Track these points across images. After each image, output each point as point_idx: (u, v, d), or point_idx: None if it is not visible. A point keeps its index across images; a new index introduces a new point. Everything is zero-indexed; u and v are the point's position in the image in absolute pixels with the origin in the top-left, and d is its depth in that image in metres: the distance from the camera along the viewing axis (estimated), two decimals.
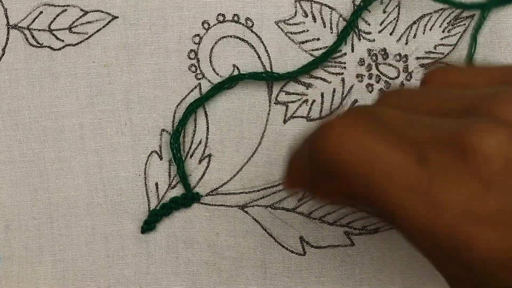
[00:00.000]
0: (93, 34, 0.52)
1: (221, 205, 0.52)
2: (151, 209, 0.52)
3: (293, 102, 0.52)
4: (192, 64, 0.52)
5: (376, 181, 0.35)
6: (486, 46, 0.52)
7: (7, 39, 0.52)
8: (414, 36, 0.52)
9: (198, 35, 0.52)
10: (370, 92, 0.52)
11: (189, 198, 0.51)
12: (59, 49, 0.52)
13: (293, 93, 0.52)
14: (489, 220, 0.34)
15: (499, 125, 0.34)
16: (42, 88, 0.52)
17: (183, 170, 0.51)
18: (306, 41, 0.52)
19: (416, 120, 0.36)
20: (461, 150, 0.34)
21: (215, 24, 0.52)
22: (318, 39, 0.52)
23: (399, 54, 0.52)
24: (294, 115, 0.52)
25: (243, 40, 0.52)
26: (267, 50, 0.52)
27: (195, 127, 0.52)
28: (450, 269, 0.36)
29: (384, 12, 0.52)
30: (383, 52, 0.52)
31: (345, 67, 0.52)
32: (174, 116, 0.52)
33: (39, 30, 0.52)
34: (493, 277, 0.35)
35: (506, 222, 0.34)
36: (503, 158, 0.34)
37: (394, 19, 0.52)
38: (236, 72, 0.52)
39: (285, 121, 0.52)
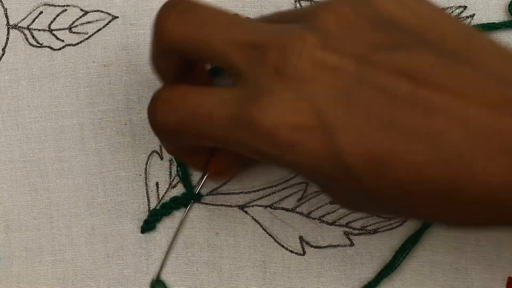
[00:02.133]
0: (93, 34, 0.52)
1: (221, 205, 0.52)
2: (151, 208, 0.52)
3: None
4: None
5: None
6: None
7: (7, 39, 0.52)
8: None
9: None
10: None
11: (189, 198, 0.51)
12: (59, 49, 0.52)
13: None
14: (305, 128, 0.37)
15: (311, 32, 0.38)
16: (42, 88, 0.52)
17: (184, 170, 0.51)
18: None
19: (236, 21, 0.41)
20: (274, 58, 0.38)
21: None
22: None
23: None
24: None
25: None
26: None
27: None
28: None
29: None
30: None
31: None
32: None
33: (39, 30, 0.52)
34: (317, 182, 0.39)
35: (321, 127, 0.37)
36: (310, 63, 0.38)
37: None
38: None
39: None
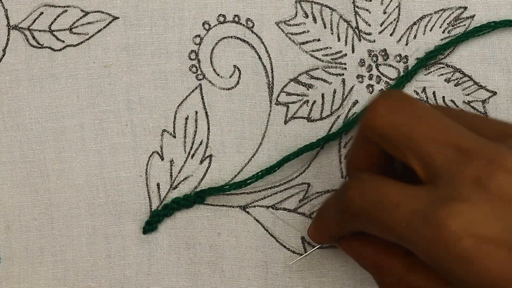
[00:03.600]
0: (93, 34, 0.52)
1: (223, 205, 0.52)
2: (152, 209, 0.52)
3: (293, 102, 0.52)
4: (192, 64, 0.52)
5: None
6: (486, 47, 0.52)
7: (8, 40, 0.52)
8: (415, 37, 0.52)
9: (198, 35, 0.52)
10: (371, 93, 0.52)
11: (192, 200, 0.52)
12: (60, 49, 0.52)
13: (293, 94, 0.52)
14: (493, 242, 0.36)
15: None
16: (43, 88, 0.52)
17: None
18: (307, 42, 0.52)
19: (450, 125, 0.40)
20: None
21: (216, 25, 0.52)
22: (319, 40, 0.52)
23: (400, 55, 0.52)
24: (295, 115, 0.52)
25: (243, 40, 0.52)
26: (267, 51, 0.52)
27: (196, 127, 0.52)
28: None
29: (385, 13, 0.52)
30: (383, 53, 0.52)
31: (345, 68, 0.52)
32: (175, 117, 0.52)
33: (39, 31, 0.52)
34: None
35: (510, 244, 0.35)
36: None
37: (395, 20, 0.52)
38: (236, 74, 0.52)
39: (286, 122, 0.52)
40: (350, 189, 0.42)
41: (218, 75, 0.52)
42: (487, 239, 0.37)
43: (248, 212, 0.52)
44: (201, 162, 0.52)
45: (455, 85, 0.52)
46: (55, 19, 0.52)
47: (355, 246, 0.45)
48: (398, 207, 0.39)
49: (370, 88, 0.52)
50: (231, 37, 0.52)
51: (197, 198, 0.51)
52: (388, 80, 0.52)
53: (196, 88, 0.52)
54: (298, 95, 0.52)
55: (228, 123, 0.52)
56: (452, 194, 0.38)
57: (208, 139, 0.52)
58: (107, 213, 0.52)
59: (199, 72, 0.52)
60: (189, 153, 0.52)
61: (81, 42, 0.52)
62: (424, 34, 0.52)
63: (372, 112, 0.42)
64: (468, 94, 0.52)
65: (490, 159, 0.38)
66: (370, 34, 0.52)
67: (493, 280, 0.37)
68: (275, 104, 0.52)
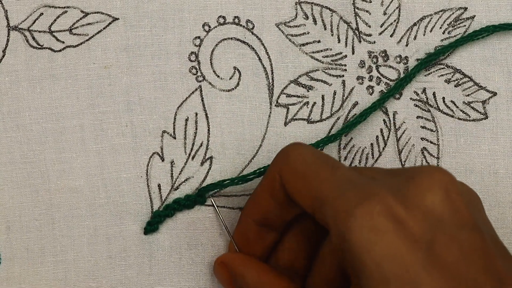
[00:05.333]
0: (93, 35, 0.52)
1: (224, 206, 0.52)
2: (154, 210, 0.52)
3: (294, 104, 0.52)
4: (192, 66, 0.52)
5: None
6: (486, 48, 0.52)
7: (8, 40, 0.52)
8: (415, 38, 0.52)
9: (198, 37, 0.52)
10: (371, 94, 0.52)
11: (193, 200, 0.52)
12: (60, 50, 0.52)
13: (293, 96, 0.52)
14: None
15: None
16: (43, 89, 0.52)
17: None
18: (307, 43, 0.52)
19: None
20: None
21: (216, 26, 0.52)
22: (319, 41, 0.52)
23: (400, 56, 0.52)
24: (295, 117, 0.52)
25: (243, 42, 0.52)
26: (267, 52, 0.52)
27: (196, 129, 0.52)
28: None
29: (385, 14, 0.52)
30: (383, 54, 0.52)
31: (345, 69, 0.52)
32: (175, 118, 0.52)
33: (39, 31, 0.52)
34: None
35: None
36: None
37: (395, 21, 0.52)
38: (236, 75, 0.52)
39: (286, 123, 0.52)
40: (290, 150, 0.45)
41: (218, 76, 0.52)
42: (399, 221, 0.39)
43: None
44: (202, 163, 0.52)
45: (455, 86, 0.52)
46: (55, 20, 0.52)
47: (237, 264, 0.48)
48: (334, 171, 0.43)
49: (370, 90, 0.52)
50: (231, 38, 0.52)
51: (198, 198, 0.51)
52: (388, 81, 0.52)
53: (196, 89, 0.52)
54: (298, 96, 0.52)
55: (228, 124, 0.52)
56: (379, 184, 0.41)
57: (208, 140, 0.52)
58: (108, 214, 0.52)
59: (199, 73, 0.52)
60: (189, 154, 0.52)
61: (81, 43, 0.52)
62: (424, 35, 0.52)
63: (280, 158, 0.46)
64: (468, 95, 0.52)
65: (414, 171, 0.42)
66: (370, 35, 0.52)
67: (392, 256, 0.39)
68: (275, 105, 0.52)
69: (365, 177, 0.43)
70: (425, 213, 0.40)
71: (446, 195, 0.40)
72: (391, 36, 0.52)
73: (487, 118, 0.52)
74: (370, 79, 0.52)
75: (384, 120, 0.52)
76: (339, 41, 0.52)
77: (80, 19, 0.52)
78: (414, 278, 0.38)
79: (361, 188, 0.40)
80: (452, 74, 0.52)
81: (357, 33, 0.52)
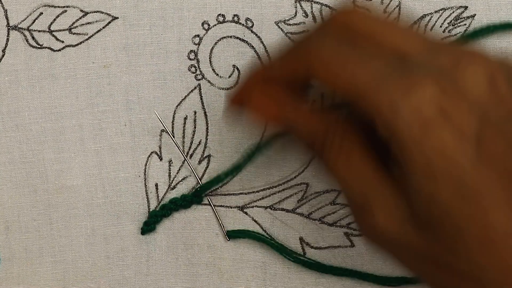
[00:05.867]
0: (93, 35, 0.52)
1: (221, 205, 0.52)
2: (151, 210, 0.52)
3: None
4: (192, 64, 0.52)
5: None
6: (486, 47, 0.52)
7: (7, 40, 0.52)
8: None
9: (198, 35, 0.52)
10: None
11: (189, 200, 0.51)
12: (59, 50, 0.52)
13: None
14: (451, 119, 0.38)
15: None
16: (42, 89, 0.52)
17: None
18: None
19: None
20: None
21: (215, 25, 0.52)
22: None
23: None
24: None
25: (243, 40, 0.52)
26: (267, 51, 0.52)
27: (195, 127, 0.52)
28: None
29: (385, 12, 0.52)
30: None
31: None
32: (173, 117, 0.52)
33: (39, 31, 0.52)
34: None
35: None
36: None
37: (395, 19, 0.52)
38: (236, 74, 0.52)
39: None
40: (322, 35, 0.42)
41: (217, 75, 0.52)
42: (450, 116, 0.37)
43: (246, 213, 0.52)
44: (200, 162, 0.52)
45: None
46: (54, 20, 0.52)
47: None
48: (374, 57, 0.40)
49: None
50: (231, 36, 0.52)
51: (194, 198, 0.51)
52: None
53: (195, 88, 0.52)
54: None
55: (227, 123, 0.52)
56: (426, 67, 0.39)
57: (206, 139, 0.52)
58: (105, 214, 0.52)
59: (198, 72, 0.52)
60: (187, 153, 0.52)
61: (81, 42, 0.52)
62: (424, 34, 0.52)
63: (343, 11, 0.42)
64: None
65: (466, 53, 0.39)
66: None
67: (440, 153, 0.37)
68: None
69: (407, 60, 0.40)
70: (472, 104, 0.38)
71: (492, 84, 0.38)
72: None
73: None
74: None
75: None
76: None
77: (80, 18, 0.52)
78: (462, 176, 0.37)
79: (405, 74, 0.38)
80: None
81: None
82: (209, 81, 0.52)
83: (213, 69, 0.52)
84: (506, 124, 0.38)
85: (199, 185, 0.51)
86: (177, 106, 0.52)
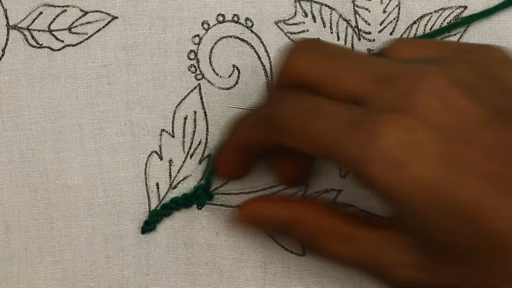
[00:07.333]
0: (92, 34, 0.52)
1: (221, 205, 0.52)
2: (151, 209, 0.52)
3: None
4: (191, 64, 0.52)
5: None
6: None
7: (7, 39, 0.52)
8: (414, 36, 0.52)
9: (197, 35, 0.52)
10: None
11: (190, 200, 0.51)
12: (59, 49, 0.52)
13: None
14: (421, 149, 0.38)
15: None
16: (42, 88, 0.52)
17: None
18: None
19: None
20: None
21: (215, 25, 0.52)
22: (318, 39, 0.52)
23: None
24: None
25: (243, 40, 0.52)
26: (267, 50, 0.52)
27: (195, 127, 0.52)
28: None
29: (384, 12, 0.52)
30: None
31: None
32: (173, 117, 0.52)
33: (39, 30, 0.52)
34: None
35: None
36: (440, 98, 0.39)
37: (394, 19, 0.52)
38: (235, 73, 0.52)
39: None
40: (280, 100, 0.43)
41: (217, 74, 0.52)
42: (416, 147, 0.38)
43: None
44: (200, 162, 0.52)
45: None
46: (54, 19, 0.52)
47: (261, 206, 0.46)
48: (330, 115, 0.40)
49: None
50: (230, 36, 0.52)
51: (203, 195, 0.51)
52: None
53: (195, 87, 0.52)
54: None
55: (227, 122, 0.52)
56: (383, 106, 0.39)
57: (207, 139, 0.52)
58: (106, 213, 0.52)
59: (198, 71, 0.52)
60: (188, 153, 0.52)
61: (80, 42, 0.52)
62: (424, 33, 0.52)
63: (292, 57, 0.43)
64: None
65: (414, 76, 0.40)
66: (369, 33, 0.52)
67: (420, 185, 0.38)
68: None
69: (362, 105, 0.41)
70: (433, 127, 0.39)
71: (446, 102, 0.39)
72: (390, 34, 0.52)
73: None
74: None
75: None
76: (338, 39, 0.52)
77: (79, 18, 0.52)
78: (451, 197, 0.38)
79: (364, 123, 0.39)
80: None
81: (357, 31, 0.52)
82: (209, 81, 0.52)
83: (213, 69, 0.52)
84: (470, 133, 0.38)
85: (202, 182, 0.51)
86: (177, 106, 0.52)
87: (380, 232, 0.41)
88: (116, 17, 0.52)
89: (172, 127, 0.52)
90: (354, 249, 0.42)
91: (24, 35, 0.52)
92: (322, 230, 0.43)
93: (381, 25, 0.52)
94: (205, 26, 0.52)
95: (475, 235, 0.37)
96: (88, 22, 0.52)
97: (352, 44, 0.52)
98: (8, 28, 0.52)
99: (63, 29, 0.52)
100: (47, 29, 0.52)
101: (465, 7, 0.52)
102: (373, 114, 0.39)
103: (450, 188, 0.38)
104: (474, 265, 0.38)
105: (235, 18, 0.52)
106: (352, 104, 0.40)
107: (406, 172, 0.38)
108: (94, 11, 0.52)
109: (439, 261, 0.39)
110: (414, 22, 0.52)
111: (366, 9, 0.52)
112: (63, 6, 0.52)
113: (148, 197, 0.52)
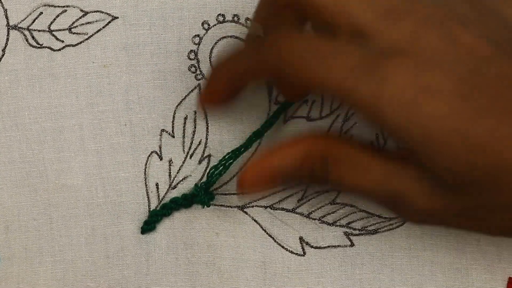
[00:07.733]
0: (93, 34, 0.52)
1: (221, 205, 0.52)
2: (151, 209, 0.52)
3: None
4: (192, 64, 0.52)
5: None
6: None
7: (7, 39, 0.52)
8: None
9: (198, 35, 0.52)
10: None
11: (190, 200, 0.51)
12: (59, 49, 0.52)
13: None
14: (434, 91, 0.39)
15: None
16: (42, 88, 0.52)
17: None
18: None
19: None
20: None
21: (215, 25, 0.52)
22: None
23: None
24: (294, 115, 0.52)
25: (243, 40, 0.52)
26: None
27: (195, 127, 0.52)
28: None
29: None
30: None
31: None
32: (174, 117, 0.52)
33: (39, 30, 0.52)
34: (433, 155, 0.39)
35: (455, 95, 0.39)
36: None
37: None
38: None
39: (285, 121, 0.52)
40: (281, 38, 0.42)
41: None
42: (427, 87, 0.39)
43: (246, 212, 0.52)
44: (200, 162, 0.52)
45: None
46: (54, 19, 0.52)
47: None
48: (333, 59, 0.40)
49: None
50: (231, 36, 0.52)
51: (204, 195, 0.51)
52: None
53: (195, 88, 0.52)
54: None
55: (227, 122, 0.52)
56: (390, 48, 0.39)
57: (207, 139, 0.52)
58: (105, 213, 0.52)
59: (198, 72, 0.52)
60: (187, 153, 0.52)
61: (80, 42, 0.52)
62: None
63: None
64: None
65: (419, 13, 0.40)
66: None
67: (435, 123, 0.39)
68: (274, 103, 0.52)
69: (369, 43, 0.40)
70: (442, 65, 0.39)
71: (454, 41, 0.40)
72: None
73: None
74: None
75: None
76: None
77: (80, 18, 0.52)
78: (464, 130, 0.38)
79: (374, 64, 0.39)
80: None
81: None
82: None
83: None
84: (482, 69, 0.39)
85: (203, 180, 0.51)
86: (177, 106, 0.52)
87: (398, 164, 0.42)
88: (116, 17, 0.52)
89: (172, 127, 0.52)
90: (374, 180, 0.42)
91: (24, 35, 0.52)
92: (342, 162, 0.43)
93: None
94: (205, 26, 0.52)
95: (490, 165, 0.39)
96: (88, 22, 0.52)
97: None
98: (8, 28, 0.52)
99: (63, 29, 0.52)
100: (47, 29, 0.52)
101: None
102: (382, 58, 0.39)
103: (464, 122, 0.38)
104: (483, 195, 0.40)
105: (235, 18, 0.52)
106: (356, 39, 0.40)
107: (420, 112, 0.39)
108: (94, 11, 0.52)
109: (452, 192, 0.40)
110: None
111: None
112: (63, 6, 0.52)
113: (148, 197, 0.52)
